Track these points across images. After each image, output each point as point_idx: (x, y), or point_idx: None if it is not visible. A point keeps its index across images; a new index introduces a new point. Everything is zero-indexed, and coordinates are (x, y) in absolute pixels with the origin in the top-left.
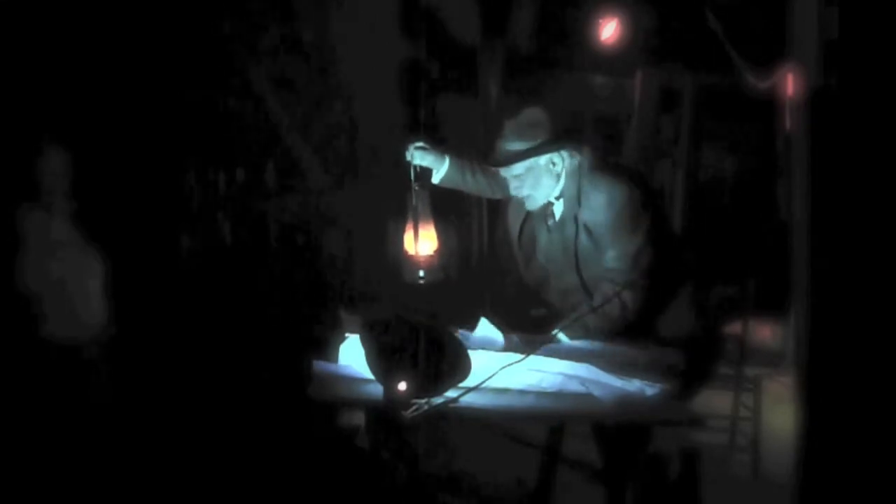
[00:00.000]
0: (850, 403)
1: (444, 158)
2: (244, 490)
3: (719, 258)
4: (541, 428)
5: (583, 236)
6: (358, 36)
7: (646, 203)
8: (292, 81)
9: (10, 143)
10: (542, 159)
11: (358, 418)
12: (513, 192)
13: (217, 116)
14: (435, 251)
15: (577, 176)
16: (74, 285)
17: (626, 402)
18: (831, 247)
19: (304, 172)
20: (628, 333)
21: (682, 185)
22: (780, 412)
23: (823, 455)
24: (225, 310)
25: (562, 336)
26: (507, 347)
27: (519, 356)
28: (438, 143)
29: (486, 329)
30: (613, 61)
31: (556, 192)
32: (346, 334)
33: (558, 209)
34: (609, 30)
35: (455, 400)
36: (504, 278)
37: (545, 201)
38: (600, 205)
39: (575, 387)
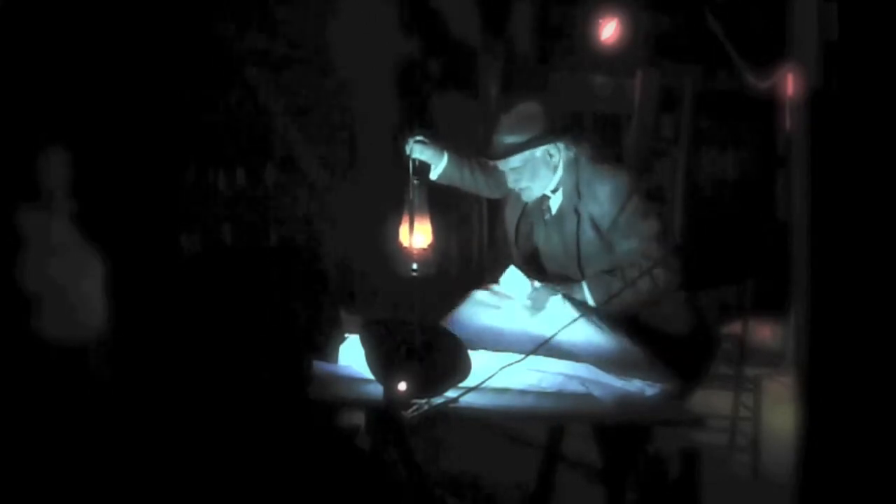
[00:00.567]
0: (850, 403)
1: (442, 154)
2: (244, 490)
3: (719, 258)
4: (541, 428)
5: (586, 230)
6: (357, 34)
7: (649, 193)
8: (292, 82)
9: (10, 143)
10: (539, 151)
11: (358, 418)
12: (511, 184)
13: (217, 116)
14: (429, 245)
15: (574, 168)
16: (74, 285)
17: (626, 402)
18: (831, 247)
19: (303, 171)
20: (628, 333)
21: (682, 185)
22: (780, 412)
23: (823, 455)
24: (225, 310)
25: (585, 289)
26: (532, 296)
27: (519, 356)
28: (438, 139)
29: (513, 275)
30: (613, 61)
31: (553, 185)
32: (346, 334)
33: (555, 202)
34: (609, 30)
35: (455, 400)
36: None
37: (542, 194)
38: (607, 195)
39: (575, 387)
